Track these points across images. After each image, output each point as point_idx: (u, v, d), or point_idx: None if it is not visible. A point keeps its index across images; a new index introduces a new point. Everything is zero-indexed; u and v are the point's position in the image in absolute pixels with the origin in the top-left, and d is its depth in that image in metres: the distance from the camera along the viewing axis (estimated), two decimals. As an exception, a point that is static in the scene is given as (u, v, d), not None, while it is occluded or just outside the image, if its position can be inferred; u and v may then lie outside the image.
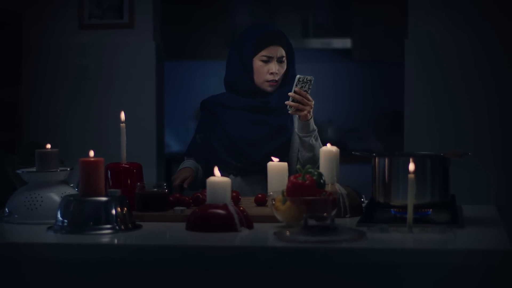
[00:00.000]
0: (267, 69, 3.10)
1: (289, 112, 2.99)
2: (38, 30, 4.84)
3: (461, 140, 4.48)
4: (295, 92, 2.93)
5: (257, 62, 3.11)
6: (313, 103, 2.98)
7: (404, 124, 4.61)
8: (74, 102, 4.85)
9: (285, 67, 3.13)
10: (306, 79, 2.93)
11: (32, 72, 4.85)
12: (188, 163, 3.19)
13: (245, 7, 6.14)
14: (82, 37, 4.83)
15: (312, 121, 3.07)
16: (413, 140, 4.49)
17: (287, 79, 3.15)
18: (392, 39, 5.40)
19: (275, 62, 3.10)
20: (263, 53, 3.10)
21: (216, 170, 2.39)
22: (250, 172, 3.13)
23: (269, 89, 3.13)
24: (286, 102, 2.96)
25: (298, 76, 2.93)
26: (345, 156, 3.51)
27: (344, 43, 5.98)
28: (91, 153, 2.48)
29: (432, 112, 4.55)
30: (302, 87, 2.93)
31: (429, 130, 4.54)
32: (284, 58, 3.12)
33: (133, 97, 4.78)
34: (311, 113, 3.02)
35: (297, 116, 3.07)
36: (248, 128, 3.14)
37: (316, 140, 3.10)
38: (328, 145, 2.69)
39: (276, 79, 3.11)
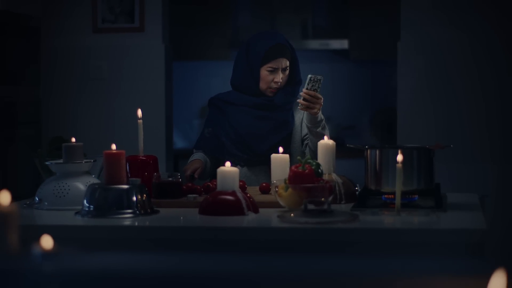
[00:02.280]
0: (272, 78, 3.31)
1: (299, 108, 3.20)
2: (55, 33, 4.98)
3: (449, 135, 4.67)
4: (305, 93, 3.13)
5: (263, 72, 3.31)
6: (322, 100, 3.19)
7: (397, 121, 4.80)
8: (89, 101, 4.99)
9: (287, 74, 3.34)
10: (317, 78, 3.11)
11: (50, 73, 4.99)
12: (198, 155, 3.41)
13: (247, 9, 6.21)
14: (96, 40, 4.97)
15: (320, 113, 3.25)
16: (405, 137, 4.67)
17: (292, 83, 3.37)
18: (387, 40, 5.45)
19: (280, 72, 3.31)
20: (270, 64, 3.30)
21: (227, 163, 2.64)
22: (256, 163, 3.36)
23: (270, 94, 3.35)
24: (298, 101, 3.18)
25: (309, 76, 3.12)
26: (342, 151, 3.70)
27: (341, 44, 6.02)
28: (113, 146, 2.71)
29: (423, 109, 4.73)
30: (312, 86, 3.12)
31: (420, 126, 4.71)
32: (288, 67, 3.32)
33: (143, 96, 4.92)
34: (320, 108, 3.24)
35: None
36: (253, 123, 3.36)
37: (323, 129, 3.28)
38: (326, 138, 2.95)
39: (277, 87, 3.33)
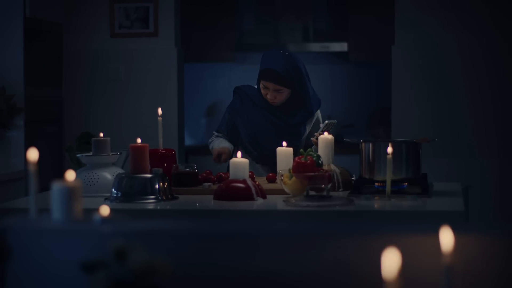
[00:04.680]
0: (266, 93, 3.61)
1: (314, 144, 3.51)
2: (76, 38, 5.27)
3: (440, 132, 4.98)
4: (320, 134, 3.40)
5: (261, 85, 3.62)
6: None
7: (391, 119, 5.13)
8: (107, 100, 5.28)
9: (285, 95, 3.59)
10: (332, 123, 3.44)
11: (71, 74, 5.27)
12: (225, 142, 3.67)
13: (251, 13, 6.37)
14: (113, 44, 5.26)
15: None
16: (399, 134, 4.98)
17: (307, 107, 3.65)
18: (384, 43, 5.57)
19: (271, 91, 3.58)
20: (262, 82, 3.60)
21: (239, 153, 3.00)
22: (264, 161, 3.67)
23: (272, 104, 3.66)
24: (312, 139, 3.49)
25: (326, 121, 3.42)
26: (342, 148, 3.97)
27: (341, 46, 6.14)
28: (138, 140, 3.03)
29: (415, 108, 5.05)
30: (327, 128, 3.42)
31: (413, 124, 5.04)
32: (281, 90, 3.57)
33: (157, 96, 5.21)
34: None
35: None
36: (268, 128, 3.66)
37: None
38: (326, 133, 3.28)
39: (274, 102, 3.61)
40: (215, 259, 1.61)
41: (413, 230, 1.66)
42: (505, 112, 5.03)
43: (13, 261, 1.51)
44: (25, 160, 4.57)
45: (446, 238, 1.35)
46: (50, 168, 4.61)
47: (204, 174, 3.29)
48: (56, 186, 1.68)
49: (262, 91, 3.62)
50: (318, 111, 3.77)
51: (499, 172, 5.01)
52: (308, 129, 3.71)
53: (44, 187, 3.94)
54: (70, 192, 1.67)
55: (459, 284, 1.42)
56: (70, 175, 1.70)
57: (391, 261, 1.18)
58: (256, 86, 3.71)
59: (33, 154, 1.71)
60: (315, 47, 6.22)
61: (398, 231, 1.66)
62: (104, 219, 1.67)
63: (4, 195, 4.12)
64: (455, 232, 1.40)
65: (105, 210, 1.68)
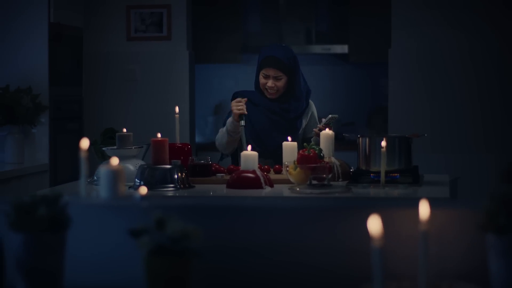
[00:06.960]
0: (265, 82, 3.91)
1: (314, 134, 3.80)
2: (95, 41, 5.53)
3: (433, 129, 5.27)
4: (323, 126, 3.69)
5: (260, 76, 3.92)
6: None
7: (388, 117, 5.41)
8: (123, 99, 5.54)
9: (284, 82, 3.87)
10: (334, 117, 3.69)
11: (91, 75, 5.53)
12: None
13: (256, 16, 6.56)
14: (129, 47, 5.52)
15: None
16: (395, 131, 5.21)
17: (296, 93, 3.93)
18: (383, 45, 5.68)
19: (272, 79, 3.88)
20: (263, 71, 3.89)
21: (249, 147, 3.33)
22: (266, 156, 3.92)
23: (269, 96, 3.94)
24: (314, 130, 3.77)
25: (329, 116, 3.67)
26: (341, 145, 4.25)
27: (342, 48, 6.32)
28: (159, 135, 3.36)
29: (410, 107, 5.33)
30: (329, 121, 3.69)
31: (408, 121, 5.31)
32: (281, 76, 3.87)
33: (170, 96, 5.45)
34: None
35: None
36: (268, 125, 3.95)
37: None
38: (327, 129, 3.60)
39: (273, 91, 3.90)
40: (236, 229, 1.95)
41: (400, 206, 2.00)
42: (501, 110, 5.24)
43: (71, 230, 1.84)
44: (50, 154, 4.90)
45: (424, 208, 1.68)
46: (71, 162, 4.90)
47: (217, 166, 3.60)
48: (103, 169, 2.03)
49: (262, 81, 3.87)
50: (314, 107, 4.04)
51: (497, 167, 5.22)
52: (304, 123, 4.00)
53: (67, 177, 4.23)
54: (115, 174, 2.01)
55: (433, 247, 1.76)
56: (115, 160, 2.04)
57: (375, 223, 1.52)
58: (253, 86, 3.96)
59: (84, 143, 2.03)
60: (317, 49, 6.42)
61: (387, 207, 2.00)
62: (143, 197, 2.01)
63: (29, 187, 4.43)
64: (433, 207, 1.73)
65: (143, 190, 2.03)
